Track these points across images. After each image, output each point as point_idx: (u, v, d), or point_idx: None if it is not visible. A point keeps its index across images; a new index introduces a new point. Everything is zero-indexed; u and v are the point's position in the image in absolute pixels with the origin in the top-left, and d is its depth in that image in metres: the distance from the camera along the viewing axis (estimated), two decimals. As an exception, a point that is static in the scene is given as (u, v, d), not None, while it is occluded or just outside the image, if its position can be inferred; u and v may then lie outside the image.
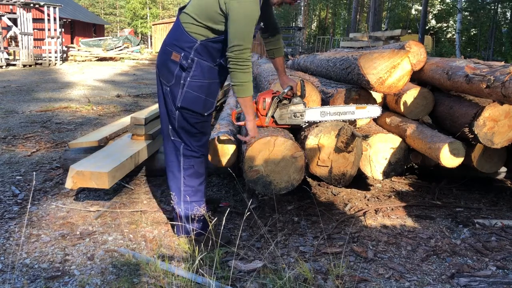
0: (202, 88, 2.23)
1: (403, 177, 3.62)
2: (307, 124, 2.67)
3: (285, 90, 2.52)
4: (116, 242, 2.40)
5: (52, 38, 16.71)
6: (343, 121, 2.69)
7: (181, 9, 2.30)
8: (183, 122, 2.29)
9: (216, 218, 2.27)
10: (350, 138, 2.60)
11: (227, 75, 2.29)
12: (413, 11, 33.81)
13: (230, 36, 2.10)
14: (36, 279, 2.01)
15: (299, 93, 2.61)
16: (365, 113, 2.72)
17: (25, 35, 15.70)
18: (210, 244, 2.29)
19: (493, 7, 20.17)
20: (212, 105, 2.31)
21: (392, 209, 2.94)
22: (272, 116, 2.54)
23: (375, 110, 2.75)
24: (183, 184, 2.36)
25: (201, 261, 2.05)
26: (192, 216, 2.35)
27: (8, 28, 16.46)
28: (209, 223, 2.17)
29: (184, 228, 2.40)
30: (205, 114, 2.29)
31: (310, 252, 2.31)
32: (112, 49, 21.93)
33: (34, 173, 3.52)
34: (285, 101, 2.53)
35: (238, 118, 2.85)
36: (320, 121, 2.67)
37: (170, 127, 2.34)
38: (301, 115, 2.56)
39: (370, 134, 2.91)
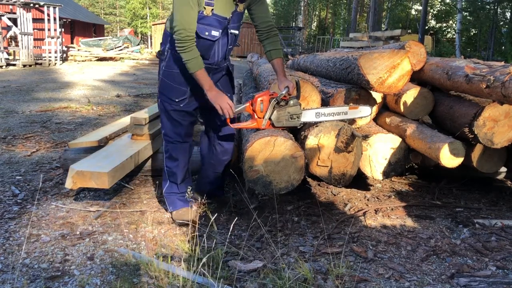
0: (173, 76, 2.48)
1: (403, 177, 3.62)
2: (302, 125, 2.68)
3: (283, 92, 2.50)
4: (116, 242, 2.40)
5: (52, 38, 16.70)
6: (339, 121, 2.69)
7: None
8: (162, 108, 2.58)
9: (216, 215, 2.28)
10: (350, 138, 2.60)
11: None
12: (413, 11, 33.82)
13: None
14: (36, 279, 2.01)
15: (295, 94, 2.61)
16: (357, 113, 2.77)
17: (25, 35, 15.69)
18: (187, 222, 2.56)
19: (493, 7, 20.17)
20: (184, 93, 2.50)
21: (392, 209, 2.94)
22: (269, 119, 2.54)
23: (366, 110, 2.79)
24: (165, 164, 2.72)
25: (201, 261, 2.05)
26: (169, 193, 2.70)
27: (8, 28, 16.44)
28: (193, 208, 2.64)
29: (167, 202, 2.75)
30: (176, 100, 2.49)
31: (310, 252, 2.31)
32: (112, 49, 21.90)
33: (41, 175, 3.52)
34: (282, 103, 2.53)
35: (234, 120, 2.79)
36: (315, 122, 2.67)
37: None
38: (297, 117, 2.56)
39: (370, 134, 2.91)
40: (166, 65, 2.48)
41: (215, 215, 2.52)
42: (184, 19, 2.23)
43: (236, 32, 2.49)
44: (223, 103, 2.34)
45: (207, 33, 2.35)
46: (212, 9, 2.31)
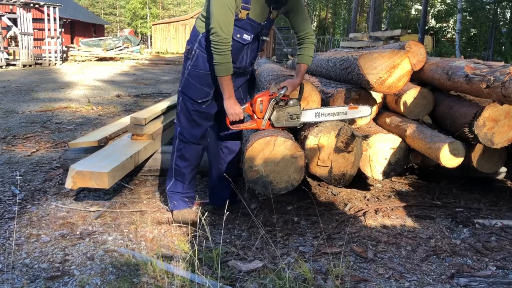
0: (199, 78, 2.46)
1: (403, 177, 3.62)
2: (302, 125, 2.68)
3: (282, 92, 2.51)
4: (116, 242, 2.40)
5: (52, 38, 16.71)
6: (338, 121, 2.69)
7: None
8: (182, 107, 2.57)
9: (212, 215, 2.28)
10: (350, 138, 2.60)
11: None
12: (413, 11, 33.81)
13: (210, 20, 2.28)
14: (36, 279, 2.01)
15: (296, 95, 2.61)
16: (357, 113, 2.77)
17: (25, 35, 15.69)
18: (187, 222, 2.58)
19: (492, 7, 20.18)
20: (207, 95, 2.49)
21: (392, 209, 2.94)
22: (269, 119, 2.54)
23: (365, 110, 2.79)
24: (174, 162, 2.69)
25: (200, 261, 2.05)
26: (173, 191, 2.69)
27: (8, 28, 16.46)
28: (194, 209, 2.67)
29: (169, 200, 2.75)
30: (199, 101, 2.49)
31: (310, 252, 2.31)
32: (112, 49, 21.92)
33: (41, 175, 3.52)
34: (281, 103, 2.53)
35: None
36: (315, 122, 2.67)
37: (176, 111, 2.66)
38: (297, 117, 2.57)
39: (370, 134, 2.91)
40: (193, 65, 2.46)
41: (208, 214, 2.53)
42: (222, 21, 2.23)
43: (267, 38, 2.52)
44: (237, 115, 2.44)
45: (238, 36, 2.36)
46: (248, 13, 2.32)
